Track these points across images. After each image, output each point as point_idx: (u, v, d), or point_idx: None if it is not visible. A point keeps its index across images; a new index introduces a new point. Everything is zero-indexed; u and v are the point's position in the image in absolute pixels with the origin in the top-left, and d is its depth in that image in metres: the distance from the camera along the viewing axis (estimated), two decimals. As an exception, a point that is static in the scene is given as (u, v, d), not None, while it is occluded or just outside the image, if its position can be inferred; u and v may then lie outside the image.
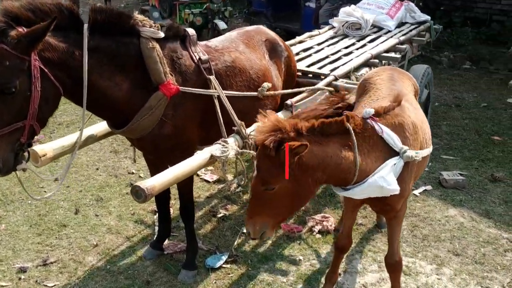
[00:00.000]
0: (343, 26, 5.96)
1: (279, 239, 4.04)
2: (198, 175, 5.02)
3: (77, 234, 4.03)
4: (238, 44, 3.48)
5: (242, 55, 3.42)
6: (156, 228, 4.10)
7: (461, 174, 4.92)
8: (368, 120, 2.55)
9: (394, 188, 2.51)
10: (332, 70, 4.49)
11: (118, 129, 2.99)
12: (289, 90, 3.77)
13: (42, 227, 4.10)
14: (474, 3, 10.87)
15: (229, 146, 2.90)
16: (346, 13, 6.02)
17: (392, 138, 2.54)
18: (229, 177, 2.93)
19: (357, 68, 4.67)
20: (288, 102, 3.61)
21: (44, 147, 2.87)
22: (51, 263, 3.66)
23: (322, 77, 4.37)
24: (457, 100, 7.25)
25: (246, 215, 2.52)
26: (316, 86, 3.93)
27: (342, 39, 5.83)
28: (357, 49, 5.34)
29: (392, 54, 5.28)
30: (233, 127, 3.14)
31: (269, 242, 4.01)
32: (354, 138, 2.46)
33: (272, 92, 3.53)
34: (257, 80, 3.46)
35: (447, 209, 4.40)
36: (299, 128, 2.34)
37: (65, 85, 2.55)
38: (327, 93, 4.01)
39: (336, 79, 4.18)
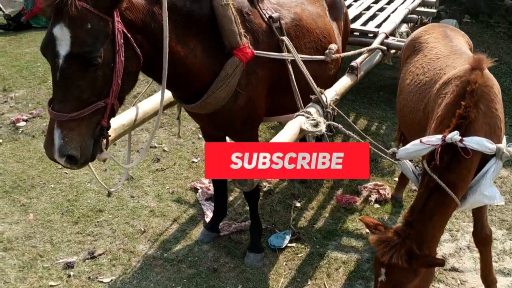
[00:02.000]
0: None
1: (337, 211, 3.80)
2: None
3: (118, 220, 3.63)
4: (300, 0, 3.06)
5: (307, 12, 3.02)
6: (204, 207, 3.76)
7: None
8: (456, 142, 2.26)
9: (498, 201, 2.37)
10: (377, 27, 4.17)
11: (190, 104, 2.58)
12: (352, 52, 3.41)
13: (76, 214, 3.66)
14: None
15: (318, 119, 2.54)
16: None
17: (482, 145, 2.25)
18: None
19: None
20: (354, 64, 3.28)
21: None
22: (99, 255, 3.27)
23: (370, 35, 4.05)
24: (468, 55, 7.11)
25: None
26: (373, 46, 3.60)
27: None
28: (387, 4, 5.01)
29: (425, 9, 4.99)
30: (310, 96, 2.78)
31: (327, 215, 3.77)
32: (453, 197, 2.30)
33: (339, 55, 3.18)
34: (324, 41, 3.09)
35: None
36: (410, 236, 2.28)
37: (144, 54, 2.11)
38: (380, 52, 3.71)
39: (387, 36, 3.86)
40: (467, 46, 3.04)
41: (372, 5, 4.98)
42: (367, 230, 3.53)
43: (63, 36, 1.82)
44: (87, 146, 1.98)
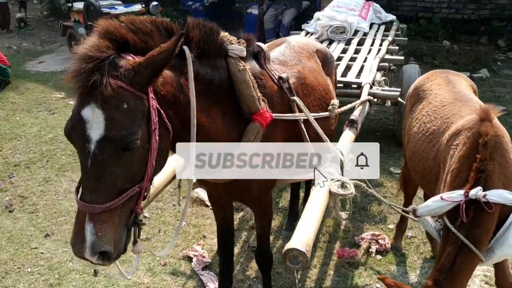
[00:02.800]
0: (327, 30, 5.76)
1: (341, 267, 3.67)
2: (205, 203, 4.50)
3: (112, 304, 3.28)
4: (297, 57, 3.03)
5: (307, 70, 2.99)
6: (203, 277, 3.50)
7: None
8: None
9: None
10: (356, 77, 4.25)
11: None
12: (349, 106, 3.41)
13: (63, 302, 3.28)
14: (399, 1, 11.45)
15: (343, 179, 2.46)
16: (329, 17, 5.84)
17: (504, 198, 2.26)
18: (343, 215, 2.49)
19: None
20: (354, 117, 3.27)
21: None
22: None
23: (354, 85, 4.10)
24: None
25: None
26: (364, 98, 3.63)
27: (329, 44, 5.62)
28: (355, 53, 5.17)
29: (395, 56, 5.19)
30: (326, 155, 2.71)
31: (332, 272, 3.63)
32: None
33: (339, 110, 3.15)
34: (326, 98, 3.05)
35: None
36: None
37: (173, 129, 1.95)
38: (368, 102, 3.75)
39: (371, 86, 3.93)
40: (471, 89, 3.12)
41: (341, 55, 5.10)
42: (378, 286, 3.45)
43: (95, 118, 1.63)
44: (121, 238, 1.75)
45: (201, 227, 4.21)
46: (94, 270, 3.53)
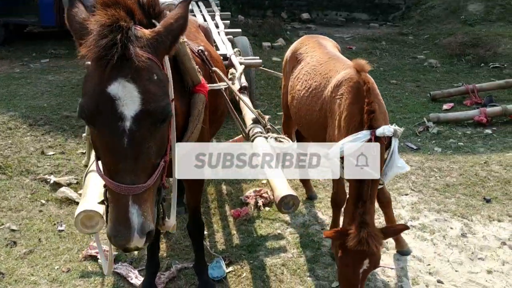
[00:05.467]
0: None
1: (240, 225, 3.97)
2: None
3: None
4: (193, 31, 3.11)
5: (205, 43, 3.13)
6: (120, 270, 3.35)
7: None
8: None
9: (406, 168, 3.05)
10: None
11: None
12: (238, 74, 3.64)
13: None
14: None
15: (280, 136, 2.75)
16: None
17: (389, 131, 2.85)
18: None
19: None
20: (245, 84, 3.54)
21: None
22: None
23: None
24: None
25: None
26: (241, 66, 3.88)
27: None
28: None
29: (233, 29, 5.57)
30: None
31: (235, 232, 3.90)
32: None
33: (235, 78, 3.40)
34: (223, 68, 3.26)
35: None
36: None
37: None
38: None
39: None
40: (337, 49, 3.72)
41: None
42: (279, 231, 3.88)
43: (127, 93, 1.53)
44: (154, 216, 1.71)
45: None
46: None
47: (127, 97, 1.54)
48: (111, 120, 1.55)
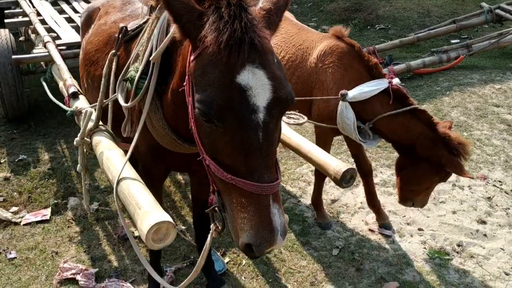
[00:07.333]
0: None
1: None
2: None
3: None
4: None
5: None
6: (111, 287, 2.97)
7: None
8: None
9: None
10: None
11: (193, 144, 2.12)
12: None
13: None
14: None
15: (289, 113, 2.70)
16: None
17: (398, 81, 3.06)
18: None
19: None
20: None
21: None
22: None
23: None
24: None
25: None
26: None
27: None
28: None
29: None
30: None
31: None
32: None
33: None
34: None
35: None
36: None
37: None
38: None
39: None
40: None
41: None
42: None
43: (258, 81, 1.32)
44: None
45: (41, 246, 3.39)
46: None
47: (258, 86, 1.33)
48: (243, 113, 1.33)
